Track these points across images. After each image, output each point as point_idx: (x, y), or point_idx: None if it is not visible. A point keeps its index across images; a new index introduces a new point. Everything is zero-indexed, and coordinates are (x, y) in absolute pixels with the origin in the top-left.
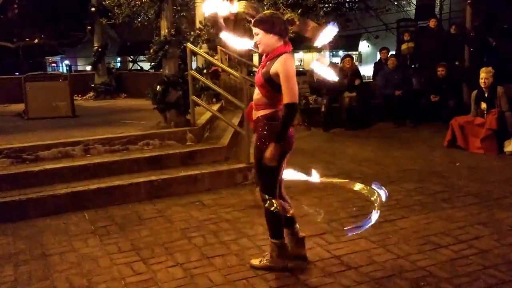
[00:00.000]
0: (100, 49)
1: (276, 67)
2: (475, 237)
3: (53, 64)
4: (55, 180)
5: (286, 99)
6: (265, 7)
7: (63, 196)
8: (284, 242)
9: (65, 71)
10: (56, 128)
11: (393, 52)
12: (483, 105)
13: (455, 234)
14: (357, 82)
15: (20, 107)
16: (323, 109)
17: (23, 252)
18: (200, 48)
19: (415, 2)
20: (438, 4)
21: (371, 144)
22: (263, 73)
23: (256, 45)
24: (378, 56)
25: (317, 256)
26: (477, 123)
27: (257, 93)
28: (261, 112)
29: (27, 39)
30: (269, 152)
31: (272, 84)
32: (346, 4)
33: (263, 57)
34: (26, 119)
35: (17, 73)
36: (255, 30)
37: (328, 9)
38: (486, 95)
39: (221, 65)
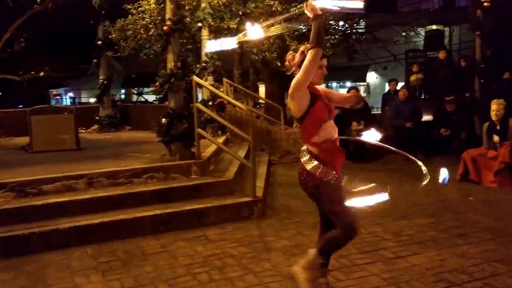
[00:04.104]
0: (105, 81)
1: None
2: (491, 274)
3: (57, 97)
4: (58, 214)
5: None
6: (271, 39)
7: (66, 231)
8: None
9: (68, 103)
10: (60, 161)
11: (402, 83)
12: (496, 138)
13: (470, 271)
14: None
15: (23, 140)
16: None
17: None
18: (206, 80)
19: (423, 33)
20: (448, 35)
21: (381, 177)
22: None
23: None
24: (387, 87)
25: None
26: (490, 156)
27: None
28: None
29: (33, 72)
30: None
31: None
32: (353, 36)
33: (310, 88)
34: (30, 152)
35: (20, 106)
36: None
37: (335, 41)
38: (498, 127)
39: (226, 97)
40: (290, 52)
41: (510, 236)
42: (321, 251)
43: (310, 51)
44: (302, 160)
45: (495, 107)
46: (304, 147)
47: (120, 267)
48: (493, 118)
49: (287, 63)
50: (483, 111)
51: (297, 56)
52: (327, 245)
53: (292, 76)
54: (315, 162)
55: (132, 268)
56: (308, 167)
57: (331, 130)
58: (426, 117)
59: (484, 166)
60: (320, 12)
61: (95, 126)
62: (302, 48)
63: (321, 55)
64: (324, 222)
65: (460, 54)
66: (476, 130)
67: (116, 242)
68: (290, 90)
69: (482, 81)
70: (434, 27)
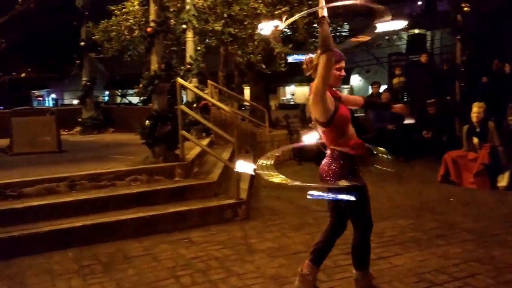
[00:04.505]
0: (88, 83)
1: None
2: (471, 274)
3: (39, 98)
4: (39, 217)
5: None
6: (255, 42)
7: (46, 234)
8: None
9: (51, 105)
10: (41, 164)
11: (385, 86)
12: (475, 140)
13: (450, 271)
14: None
15: (4, 142)
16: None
17: None
18: (190, 82)
19: (406, 37)
20: (430, 39)
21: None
22: None
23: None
24: (370, 90)
25: None
26: (470, 158)
27: None
28: None
29: (14, 73)
30: None
31: None
32: (337, 39)
33: (331, 91)
34: (10, 154)
35: (1, 107)
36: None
37: (319, 44)
38: (477, 129)
39: (211, 99)
40: (308, 54)
41: (489, 237)
42: (360, 265)
43: (321, 56)
44: (328, 162)
45: (476, 109)
46: (328, 151)
47: (102, 270)
48: (474, 120)
49: (304, 66)
50: (463, 113)
51: (315, 59)
52: (360, 256)
53: (276, 78)
54: (344, 165)
55: (114, 271)
56: (338, 171)
57: (354, 131)
58: (408, 120)
59: (464, 168)
60: (323, 14)
61: (78, 128)
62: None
63: (340, 57)
64: (336, 222)
65: (441, 58)
66: (457, 132)
67: (98, 245)
68: (311, 96)
69: (462, 84)
70: (416, 31)
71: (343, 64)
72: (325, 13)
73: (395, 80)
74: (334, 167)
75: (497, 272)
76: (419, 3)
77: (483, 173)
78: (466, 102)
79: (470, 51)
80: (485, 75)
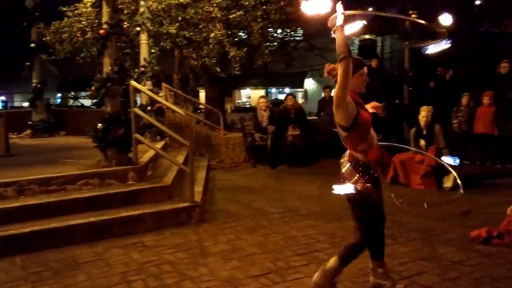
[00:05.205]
0: (39, 85)
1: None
2: (418, 273)
3: None
4: None
5: None
6: (210, 45)
7: None
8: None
9: (0, 107)
10: None
11: None
12: (422, 142)
13: (398, 270)
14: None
15: None
16: (268, 145)
17: None
18: (144, 85)
19: (357, 42)
20: (380, 45)
21: (317, 181)
22: None
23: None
24: (323, 94)
25: None
26: (417, 160)
27: None
28: None
29: None
30: None
31: None
32: (291, 43)
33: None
34: None
35: None
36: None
37: (273, 48)
38: (424, 132)
39: (164, 102)
40: (328, 63)
41: (435, 236)
42: (344, 261)
43: (340, 64)
44: (344, 170)
45: (425, 113)
46: (345, 157)
47: (51, 277)
48: (421, 123)
49: (325, 74)
50: (412, 117)
51: (338, 67)
52: (349, 253)
53: (231, 81)
54: (358, 174)
55: (64, 278)
56: (352, 178)
57: (374, 135)
58: None
59: (412, 170)
60: (338, 24)
61: (28, 131)
62: None
63: (361, 63)
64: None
65: (391, 63)
66: (405, 135)
67: (47, 251)
68: (334, 101)
69: (410, 88)
70: (367, 36)
71: (365, 69)
72: (340, 21)
73: None
74: (351, 172)
75: (442, 270)
76: (370, 9)
77: (430, 175)
78: (414, 105)
79: (417, 57)
80: (432, 80)
